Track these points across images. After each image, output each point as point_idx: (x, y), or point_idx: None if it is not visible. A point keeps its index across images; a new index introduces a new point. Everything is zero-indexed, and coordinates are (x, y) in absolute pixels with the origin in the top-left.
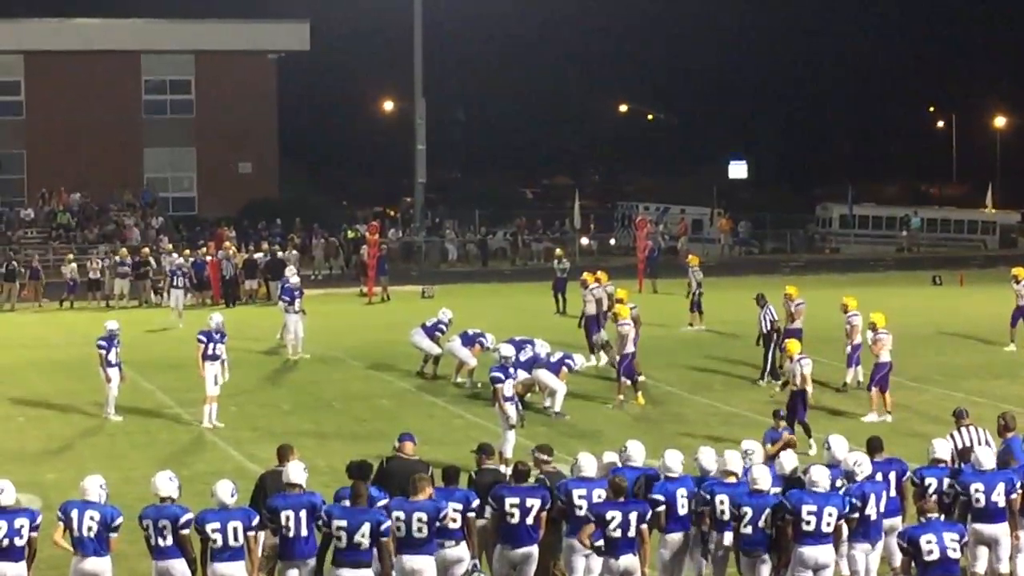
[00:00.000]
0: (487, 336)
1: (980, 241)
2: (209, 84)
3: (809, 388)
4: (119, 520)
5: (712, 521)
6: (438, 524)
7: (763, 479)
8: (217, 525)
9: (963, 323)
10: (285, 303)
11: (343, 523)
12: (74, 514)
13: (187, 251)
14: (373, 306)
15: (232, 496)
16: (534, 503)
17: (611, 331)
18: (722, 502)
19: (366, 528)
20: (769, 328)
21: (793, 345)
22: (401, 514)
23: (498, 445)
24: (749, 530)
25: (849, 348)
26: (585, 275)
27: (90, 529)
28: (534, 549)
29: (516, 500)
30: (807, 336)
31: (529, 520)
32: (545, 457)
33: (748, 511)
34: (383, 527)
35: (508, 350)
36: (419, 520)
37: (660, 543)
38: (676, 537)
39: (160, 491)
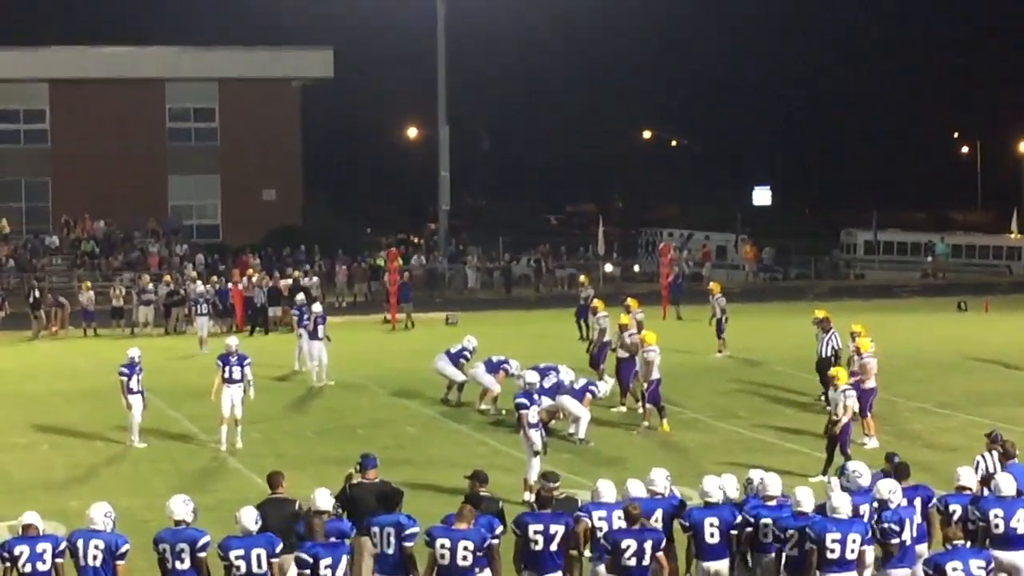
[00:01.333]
0: (511, 363)
1: (1006, 267)
2: (233, 111)
3: (846, 418)
4: (125, 547)
5: (755, 543)
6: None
7: (807, 501)
8: (241, 552)
9: (989, 349)
10: (307, 330)
11: (328, 560)
12: (79, 544)
13: (213, 278)
14: (396, 333)
15: (256, 523)
16: (558, 529)
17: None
18: (766, 525)
19: (344, 559)
20: (830, 354)
21: (841, 374)
22: (447, 542)
23: (523, 472)
24: (796, 552)
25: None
26: (595, 303)
27: (95, 558)
28: None
29: (540, 527)
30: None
31: (553, 547)
32: (552, 484)
33: (794, 534)
34: (407, 532)
35: (532, 377)
36: (464, 548)
37: (697, 572)
38: (709, 567)
39: (175, 514)
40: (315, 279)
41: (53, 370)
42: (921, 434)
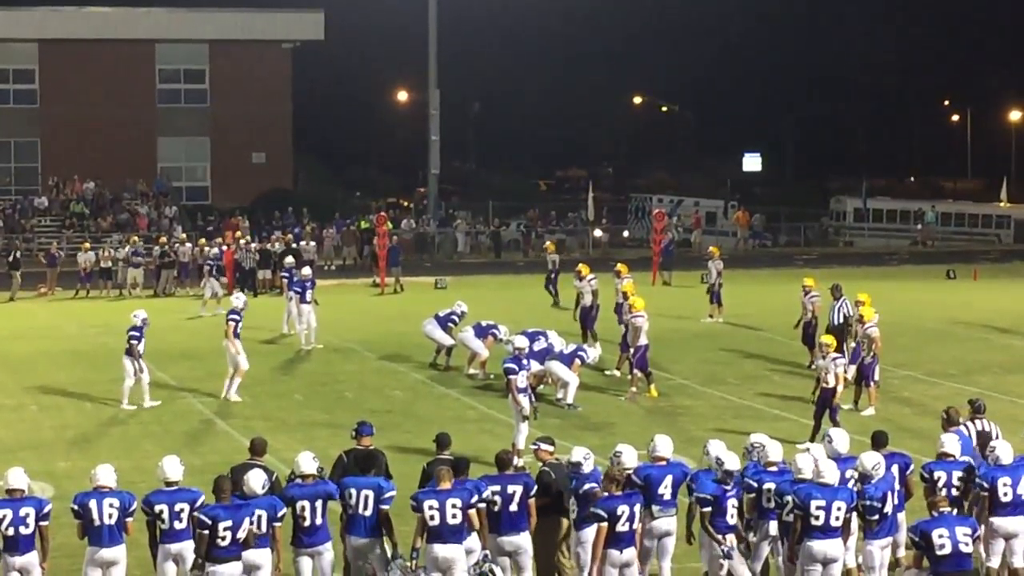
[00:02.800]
0: (500, 328)
1: (995, 235)
2: (223, 73)
3: (840, 387)
4: (135, 504)
5: (756, 510)
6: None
7: (807, 468)
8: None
9: (977, 318)
10: (296, 294)
11: (228, 523)
12: (92, 504)
13: (203, 240)
14: (386, 297)
15: (263, 487)
16: (516, 490)
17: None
18: (768, 490)
19: (247, 521)
20: (841, 321)
21: (832, 340)
22: (435, 502)
23: (512, 436)
24: (791, 518)
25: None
26: (580, 266)
27: (111, 516)
28: (521, 538)
29: (497, 488)
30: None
31: (512, 507)
32: (548, 448)
33: (791, 499)
34: (386, 495)
35: (521, 342)
36: (453, 507)
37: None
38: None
39: (168, 476)
40: (312, 243)
41: (42, 332)
42: (910, 402)
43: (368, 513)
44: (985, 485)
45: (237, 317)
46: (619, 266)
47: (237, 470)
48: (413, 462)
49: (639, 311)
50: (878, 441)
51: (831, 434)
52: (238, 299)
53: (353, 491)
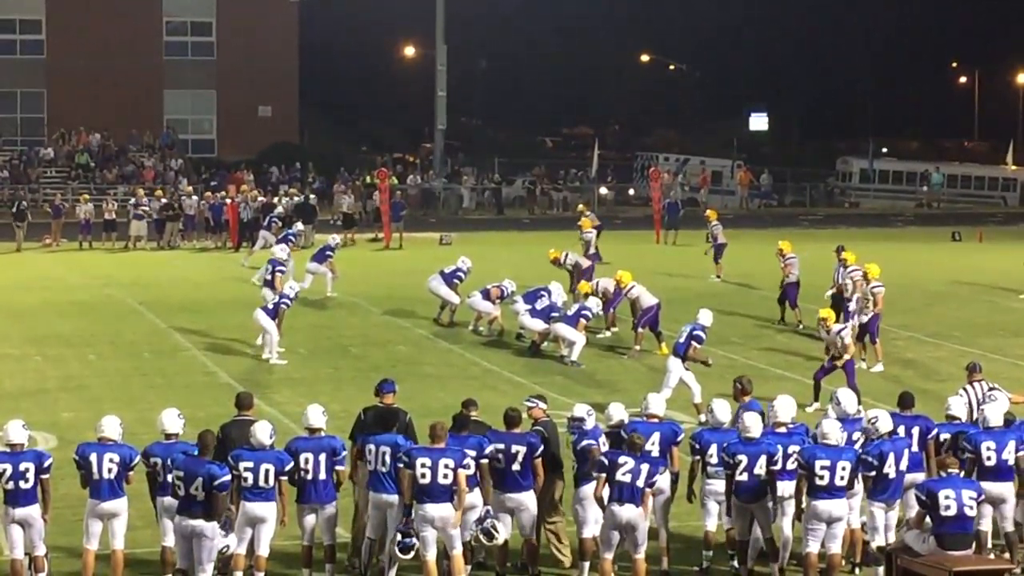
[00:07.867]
0: (504, 284)
1: (1000, 198)
2: (231, 26)
3: (847, 356)
4: (137, 459)
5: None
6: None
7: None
8: (250, 464)
9: (982, 280)
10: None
11: (181, 472)
12: (93, 457)
13: (208, 193)
14: (389, 252)
15: (270, 438)
16: (519, 449)
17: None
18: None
19: (199, 482)
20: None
21: (829, 314)
22: (427, 460)
23: (518, 394)
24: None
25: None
26: (583, 220)
27: (110, 471)
28: (525, 496)
29: (501, 446)
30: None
31: (515, 466)
32: (543, 406)
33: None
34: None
35: (703, 318)
36: (445, 467)
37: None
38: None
39: (167, 428)
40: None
41: (47, 283)
42: (913, 363)
43: (386, 469)
44: (969, 448)
45: (284, 268)
46: (582, 219)
47: (227, 427)
48: (415, 417)
49: (629, 283)
50: (904, 402)
51: (839, 395)
52: (282, 250)
53: (372, 447)
